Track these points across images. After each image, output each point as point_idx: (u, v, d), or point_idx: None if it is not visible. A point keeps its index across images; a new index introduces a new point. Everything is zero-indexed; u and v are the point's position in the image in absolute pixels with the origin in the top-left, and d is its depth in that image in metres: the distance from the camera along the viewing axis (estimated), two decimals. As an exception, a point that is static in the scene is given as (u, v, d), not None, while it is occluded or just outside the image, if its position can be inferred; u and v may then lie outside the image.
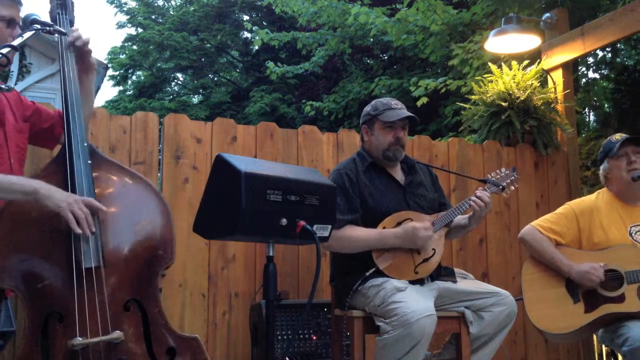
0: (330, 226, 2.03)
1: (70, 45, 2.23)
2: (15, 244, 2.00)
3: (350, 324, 2.61)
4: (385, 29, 7.99)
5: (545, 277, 2.83)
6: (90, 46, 2.26)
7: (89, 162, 2.12)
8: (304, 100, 11.08)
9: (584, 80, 7.39)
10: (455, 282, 2.72)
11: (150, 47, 14.92)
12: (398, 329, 2.37)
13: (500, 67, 4.29)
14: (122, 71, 16.03)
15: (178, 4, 17.55)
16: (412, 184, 2.84)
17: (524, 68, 4.28)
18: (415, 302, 2.41)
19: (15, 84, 8.60)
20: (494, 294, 2.65)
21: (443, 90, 6.76)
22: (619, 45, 7.06)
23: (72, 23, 2.33)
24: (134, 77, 16.81)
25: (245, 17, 16.33)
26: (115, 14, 16.21)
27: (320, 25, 9.38)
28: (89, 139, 2.33)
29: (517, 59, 4.43)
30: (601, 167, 2.97)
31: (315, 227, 1.92)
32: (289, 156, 3.48)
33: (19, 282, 1.98)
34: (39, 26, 2.06)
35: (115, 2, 16.09)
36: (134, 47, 15.91)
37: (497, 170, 2.91)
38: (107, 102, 16.23)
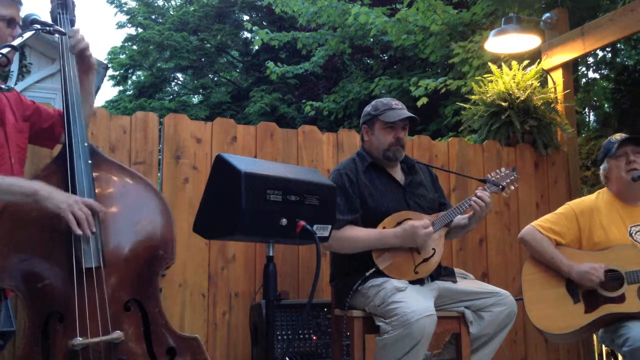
0: (330, 226, 2.03)
1: (70, 50, 2.23)
2: (16, 244, 2.00)
3: (350, 324, 2.61)
4: (385, 29, 7.99)
5: (545, 277, 2.83)
6: (89, 51, 2.26)
7: (89, 162, 2.12)
8: (304, 100, 11.08)
9: (584, 80, 7.39)
10: (455, 282, 2.72)
11: (150, 47, 14.92)
12: (398, 329, 2.37)
13: (500, 67, 4.29)
14: (122, 71, 16.02)
15: (178, 4, 17.55)
16: (412, 184, 2.84)
17: (524, 68, 4.28)
18: (415, 302, 2.41)
19: (15, 84, 8.60)
20: (494, 294, 2.65)
21: (443, 90, 6.75)
22: (619, 45, 7.06)
23: (72, 23, 2.33)
24: (134, 77, 16.81)
25: (245, 17, 16.33)
26: (115, 14, 16.23)
27: (320, 25, 9.38)
28: (89, 139, 2.33)
29: (517, 59, 4.43)
30: (601, 167, 2.97)
31: (315, 227, 1.92)
32: (289, 156, 3.48)
33: (19, 282, 1.98)
34: (39, 26, 2.06)
35: (115, 2, 16.09)
36: (134, 47, 15.90)
37: (497, 170, 2.91)
38: (107, 102, 16.23)
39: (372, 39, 9.37)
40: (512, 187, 2.88)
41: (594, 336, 3.40)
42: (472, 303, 2.64)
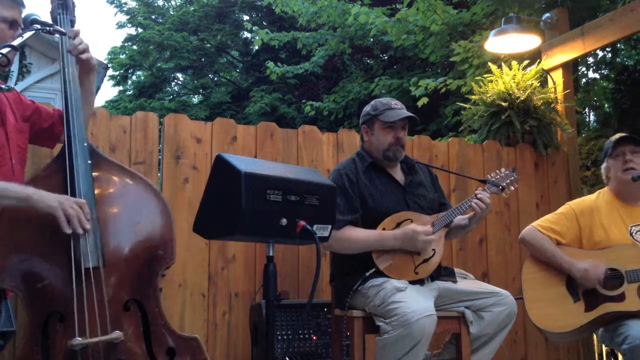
0: (330, 226, 2.03)
1: (69, 52, 2.23)
2: (15, 244, 2.00)
3: (350, 324, 2.61)
4: (385, 29, 7.98)
5: (545, 276, 2.83)
6: (89, 52, 2.26)
7: (89, 162, 2.12)
8: (304, 100, 11.08)
9: (584, 80, 7.39)
10: (455, 282, 2.72)
11: (150, 47, 14.92)
12: (398, 329, 2.37)
13: (500, 67, 4.29)
14: (122, 71, 16.02)
15: (178, 4, 17.55)
16: (411, 184, 2.84)
17: (524, 68, 4.28)
18: (415, 302, 2.41)
19: (15, 84, 8.60)
20: (494, 294, 2.65)
21: (443, 90, 6.75)
22: (619, 45, 7.06)
23: (72, 23, 2.33)
24: (134, 77, 16.81)
25: (245, 17, 16.33)
26: (115, 14, 16.23)
27: (320, 25, 9.38)
28: (90, 139, 2.34)
29: (517, 59, 4.43)
30: (602, 167, 2.98)
31: (315, 227, 1.92)
32: (289, 156, 3.48)
33: (19, 282, 1.98)
34: (39, 26, 2.06)
35: (115, 2, 16.09)
36: (134, 47, 15.91)
37: (497, 171, 2.91)
38: (107, 102, 16.23)
39: (372, 39, 9.37)
40: (512, 188, 2.89)
41: (594, 335, 3.40)
42: (472, 303, 2.64)
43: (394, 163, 2.83)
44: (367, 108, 2.86)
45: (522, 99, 4.07)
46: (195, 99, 16.58)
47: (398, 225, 2.65)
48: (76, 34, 2.24)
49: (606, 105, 7.66)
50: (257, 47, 14.27)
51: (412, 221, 2.65)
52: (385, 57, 10.84)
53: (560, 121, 4.22)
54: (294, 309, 3.07)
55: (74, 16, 2.35)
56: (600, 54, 7.17)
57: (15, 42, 1.95)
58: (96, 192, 2.11)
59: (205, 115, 13.22)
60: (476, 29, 6.74)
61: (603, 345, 3.59)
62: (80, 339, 1.90)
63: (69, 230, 1.93)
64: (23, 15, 2.16)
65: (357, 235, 2.63)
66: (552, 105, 4.21)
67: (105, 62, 12.98)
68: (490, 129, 4.15)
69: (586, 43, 4.10)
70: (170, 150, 3.23)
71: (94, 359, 1.92)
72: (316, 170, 2.22)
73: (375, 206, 2.70)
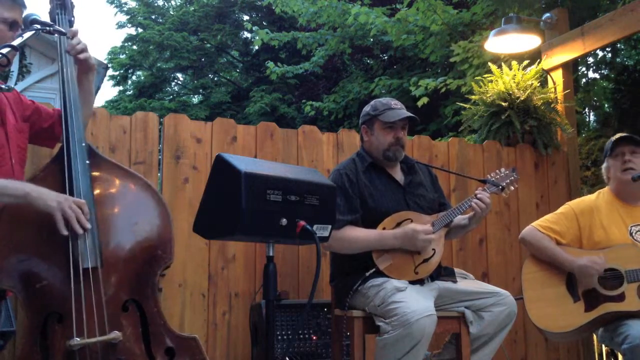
0: (330, 226, 2.03)
1: (67, 52, 2.23)
2: (14, 244, 2.00)
3: (350, 324, 2.61)
4: (385, 29, 7.98)
5: (545, 275, 2.83)
6: (87, 53, 2.25)
7: (87, 162, 2.12)
8: (304, 100, 11.08)
9: (584, 80, 7.39)
10: (455, 282, 2.72)
11: (150, 47, 14.92)
12: (398, 329, 2.36)
13: (500, 67, 4.29)
14: (122, 71, 16.02)
15: (178, 4, 17.55)
16: (411, 184, 2.84)
17: (524, 68, 4.28)
18: (415, 302, 2.41)
19: (15, 84, 8.59)
20: (494, 294, 2.65)
21: (443, 89, 6.75)
22: (619, 45, 7.06)
23: (71, 24, 2.33)
24: (134, 77, 16.81)
25: (245, 17, 16.33)
26: (115, 14, 16.22)
27: (320, 25, 9.38)
28: (90, 139, 2.34)
29: (517, 59, 4.43)
30: (603, 166, 2.99)
31: (315, 227, 1.92)
32: (289, 156, 3.48)
33: (17, 282, 1.98)
34: (39, 26, 2.06)
35: (115, 2, 16.09)
36: (134, 47, 15.90)
37: (497, 171, 2.91)
38: (107, 102, 16.23)
39: (372, 39, 9.37)
40: (512, 188, 2.89)
41: (594, 335, 3.40)
42: (472, 303, 2.64)
43: (393, 163, 2.82)
44: (367, 108, 2.86)
45: (522, 99, 4.07)
46: (195, 99, 16.58)
47: (398, 225, 2.65)
48: (74, 34, 2.24)
49: (606, 105, 7.66)
50: (257, 47, 14.27)
51: (412, 221, 2.65)
52: (385, 57, 10.84)
53: (560, 121, 4.22)
54: (294, 309, 3.07)
55: (73, 16, 2.35)
56: (600, 54, 7.18)
57: (15, 42, 1.94)
58: (95, 192, 2.10)
59: (205, 115, 13.22)
60: (476, 29, 6.73)
61: (603, 345, 3.59)
62: (78, 339, 1.90)
63: (65, 232, 1.92)
64: (23, 15, 2.16)
65: (357, 235, 2.63)
66: (552, 105, 4.21)
67: (105, 62, 12.98)
68: (490, 129, 4.15)
69: (586, 43, 4.10)
70: (170, 150, 3.23)
71: (92, 359, 1.92)
72: (316, 170, 2.22)
73: (375, 206, 2.70)
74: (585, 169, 5.92)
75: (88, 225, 1.97)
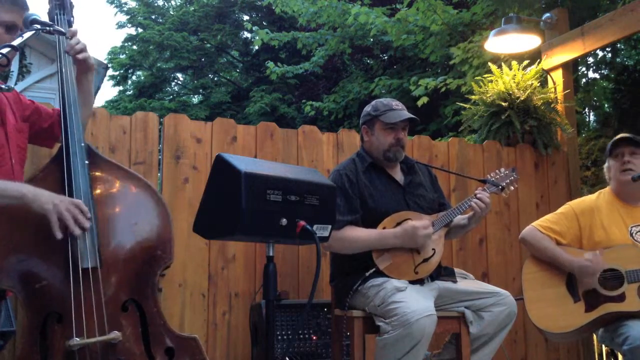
0: (330, 226, 2.03)
1: (66, 53, 2.23)
2: (14, 244, 2.00)
3: (350, 324, 2.61)
4: (385, 29, 7.99)
5: (545, 276, 2.83)
6: (86, 53, 2.25)
7: (86, 162, 2.12)
8: (304, 100, 11.08)
9: (584, 80, 7.39)
10: (455, 282, 2.72)
11: (150, 47, 14.93)
12: (398, 329, 2.36)
13: (500, 67, 4.29)
14: (122, 71, 16.03)
15: (178, 4, 17.55)
16: (411, 184, 2.84)
17: (524, 68, 4.28)
18: (415, 302, 2.41)
19: (15, 84, 8.59)
20: (494, 294, 2.65)
21: (443, 89, 6.76)
22: (619, 45, 7.06)
23: (70, 24, 2.33)
24: (134, 77, 16.82)
25: (245, 17, 16.33)
26: (115, 14, 16.23)
27: (320, 25, 9.38)
28: (89, 139, 2.33)
29: (517, 59, 4.43)
30: (604, 166, 2.99)
31: (315, 227, 1.92)
32: (289, 156, 3.48)
33: (17, 282, 1.97)
34: (39, 26, 2.05)
35: (115, 2, 16.09)
36: (134, 47, 15.91)
37: (497, 171, 2.92)
38: (107, 102, 16.24)
39: (372, 39, 9.37)
40: (512, 188, 2.89)
41: (594, 336, 3.39)
42: (472, 303, 2.64)
43: (393, 163, 2.82)
44: (367, 108, 2.86)
45: (522, 99, 4.07)
46: (195, 99, 16.58)
47: (398, 224, 2.64)
48: (73, 34, 2.23)
49: (606, 105, 7.67)
50: (257, 47, 14.27)
51: (411, 220, 2.65)
52: (385, 57, 10.84)
53: (560, 121, 4.22)
54: (294, 309, 3.07)
55: (72, 16, 2.35)
56: (600, 54, 7.18)
57: (15, 42, 1.94)
58: (94, 192, 2.10)
59: (205, 115, 13.22)
60: (476, 29, 6.74)
61: (603, 346, 3.59)
62: (78, 339, 1.89)
63: (59, 235, 1.91)
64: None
65: (357, 235, 2.63)
66: (552, 105, 4.21)
67: (105, 62, 12.98)
68: (490, 129, 4.15)
69: (586, 43, 4.10)
70: (170, 150, 3.23)
71: (92, 359, 1.92)
72: (316, 170, 2.22)
73: (375, 206, 2.70)
74: (585, 169, 5.92)
75: (87, 226, 1.96)
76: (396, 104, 2.80)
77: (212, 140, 3.33)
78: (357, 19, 8.24)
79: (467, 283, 2.77)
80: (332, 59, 11.04)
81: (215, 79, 16.51)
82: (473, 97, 4.34)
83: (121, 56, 16.15)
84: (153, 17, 16.27)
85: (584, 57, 6.21)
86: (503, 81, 4.16)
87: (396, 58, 9.99)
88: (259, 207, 1.82)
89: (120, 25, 16.22)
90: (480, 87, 4.28)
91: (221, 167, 1.87)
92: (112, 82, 16.12)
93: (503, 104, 4.09)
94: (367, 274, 2.57)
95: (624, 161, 2.83)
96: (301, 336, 3.05)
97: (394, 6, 8.99)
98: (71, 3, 2.35)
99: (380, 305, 2.48)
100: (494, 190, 2.81)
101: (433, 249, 2.65)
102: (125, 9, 16.20)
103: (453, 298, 2.67)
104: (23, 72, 9.22)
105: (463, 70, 6.27)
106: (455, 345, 2.70)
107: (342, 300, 2.62)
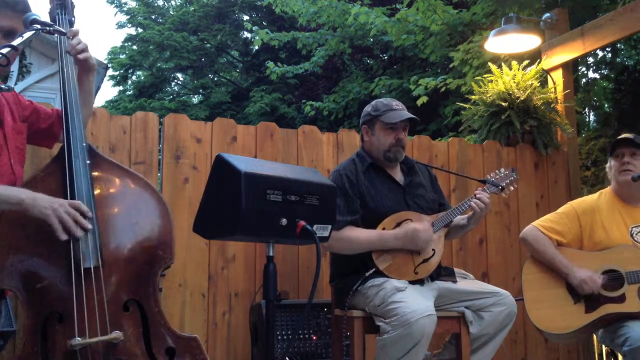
0: (330, 226, 2.02)
1: (67, 52, 2.22)
2: (15, 244, 1.99)
3: (350, 324, 2.61)
4: (385, 29, 7.99)
5: (545, 277, 2.83)
6: (87, 52, 2.24)
7: (88, 162, 2.12)
8: (304, 100, 11.08)
9: (584, 80, 7.39)
10: (455, 282, 2.72)
11: (150, 47, 14.93)
12: (398, 329, 2.36)
13: (500, 67, 4.29)
14: (122, 71, 16.03)
15: (178, 4, 17.56)
16: (411, 184, 2.84)
17: (524, 68, 4.28)
18: (415, 302, 2.41)
19: (15, 84, 8.60)
20: (494, 294, 2.65)
21: (443, 89, 6.76)
22: (619, 45, 7.07)
23: (71, 23, 2.32)
24: (134, 77, 16.82)
25: (245, 17, 16.34)
26: (115, 14, 16.25)
27: (320, 25, 9.38)
28: (90, 139, 2.33)
29: (517, 59, 4.43)
30: (607, 166, 3.00)
31: (315, 227, 1.91)
32: (289, 156, 3.48)
33: (18, 282, 1.97)
34: (39, 26, 2.05)
35: (115, 2, 16.10)
36: (134, 47, 15.92)
37: (497, 171, 2.92)
38: (107, 102, 16.24)
39: (372, 39, 9.38)
40: (512, 188, 2.89)
41: (594, 336, 3.39)
42: (472, 303, 2.64)
43: (393, 164, 2.82)
44: (367, 108, 2.86)
45: (522, 99, 4.07)
46: (195, 99, 16.59)
47: (398, 225, 2.64)
48: (74, 34, 2.23)
49: (606, 105, 7.67)
50: (257, 47, 14.27)
51: (412, 221, 2.65)
52: (385, 57, 10.84)
53: (560, 121, 4.22)
54: (294, 309, 3.07)
55: (73, 16, 2.34)
56: (600, 54, 7.19)
57: (16, 42, 1.94)
58: (95, 192, 2.10)
59: (205, 115, 13.23)
60: (476, 29, 6.74)
61: (603, 346, 3.59)
62: (79, 339, 1.89)
63: (64, 237, 1.90)
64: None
65: (357, 236, 2.63)
66: (552, 105, 4.21)
67: (105, 62, 12.99)
68: (490, 129, 4.16)
69: (586, 43, 4.10)
70: (170, 150, 3.23)
71: (93, 359, 1.92)
72: (316, 170, 2.22)
73: (375, 207, 2.70)
74: (585, 169, 5.93)
75: (88, 227, 1.96)
76: (396, 104, 2.80)
77: (212, 140, 3.33)
78: (357, 19, 8.24)
79: (467, 283, 2.77)
80: (332, 59, 11.05)
81: (215, 79, 16.51)
82: (473, 97, 4.34)
83: (121, 56, 16.16)
84: (153, 17, 16.28)
85: (584, 57, 6.22)
86: (503, 81, 4.16)
87: (396, 58, 9.99)
88: (259, 207, 1.82)
89: (120, 25, 16.24)
90: (480, 87, 4.29)
91: (221, 167, 1.87)
92: (112, 82, 16.14)
93: (503, 104, 4.09)
94: (367, 274, 2.57)
95: (623, 162, 2.83)
96: (301, 336, 3.05)
97: (394, 6, 8.99)
98: (72, 3, 2.35)
99: (380, 305, 2.48)
100: (494, 190, 2.81)
101: (433, 249, 2.65)
102: (125, 9, 16.21)
103: (453, 298, 2.67)
104: (23, 72, 9.23)
105: (463, 70, 6.27)
106: (455, 346, 2.70)
107: (342, 300, 2.62)
